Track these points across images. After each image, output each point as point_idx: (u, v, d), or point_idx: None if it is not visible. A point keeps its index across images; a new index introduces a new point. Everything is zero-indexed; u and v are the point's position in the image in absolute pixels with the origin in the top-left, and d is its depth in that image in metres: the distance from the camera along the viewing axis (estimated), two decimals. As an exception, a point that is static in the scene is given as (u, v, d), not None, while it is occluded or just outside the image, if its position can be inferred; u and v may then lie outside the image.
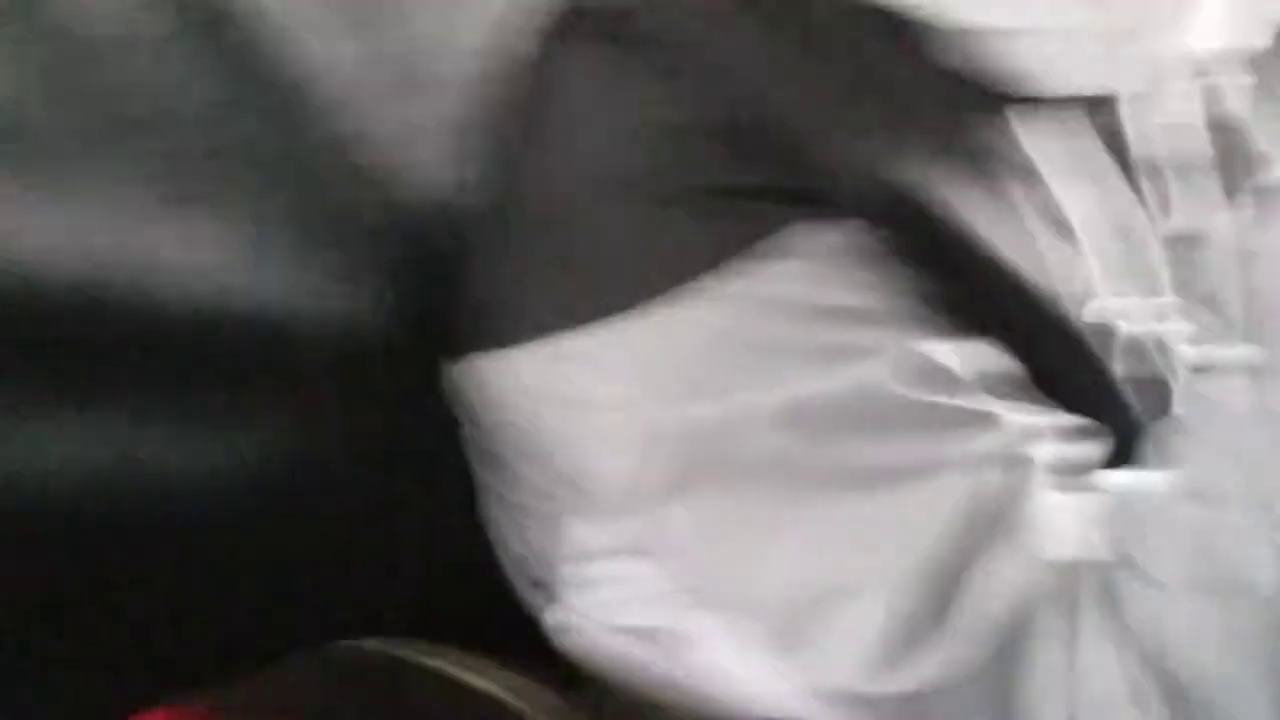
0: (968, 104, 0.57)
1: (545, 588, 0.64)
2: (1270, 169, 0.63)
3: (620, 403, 0.54)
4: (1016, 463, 0.52)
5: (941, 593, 0.50)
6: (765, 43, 0.54)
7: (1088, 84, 0.58)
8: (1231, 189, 0.62)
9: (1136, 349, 0.58)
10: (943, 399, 0.52)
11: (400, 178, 0.66)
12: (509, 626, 0.65)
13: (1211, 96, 0.62)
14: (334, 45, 0.63)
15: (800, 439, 0.51)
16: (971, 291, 0.55)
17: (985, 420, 0.52)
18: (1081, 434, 0.54)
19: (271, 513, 0.63)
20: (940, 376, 0.52)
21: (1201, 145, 0.62)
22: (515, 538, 0.65)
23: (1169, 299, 0.60)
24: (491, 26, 0.67)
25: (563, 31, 0.57)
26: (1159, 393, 0.59)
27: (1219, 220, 0.61)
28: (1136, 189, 0.61)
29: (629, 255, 0.54)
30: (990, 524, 0.51)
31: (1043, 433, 0.53)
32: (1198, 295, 0.60)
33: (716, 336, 0.53)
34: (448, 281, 0.62)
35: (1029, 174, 0.57)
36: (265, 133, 0.62)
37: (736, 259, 0.52)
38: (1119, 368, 0.57)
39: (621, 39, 0.55)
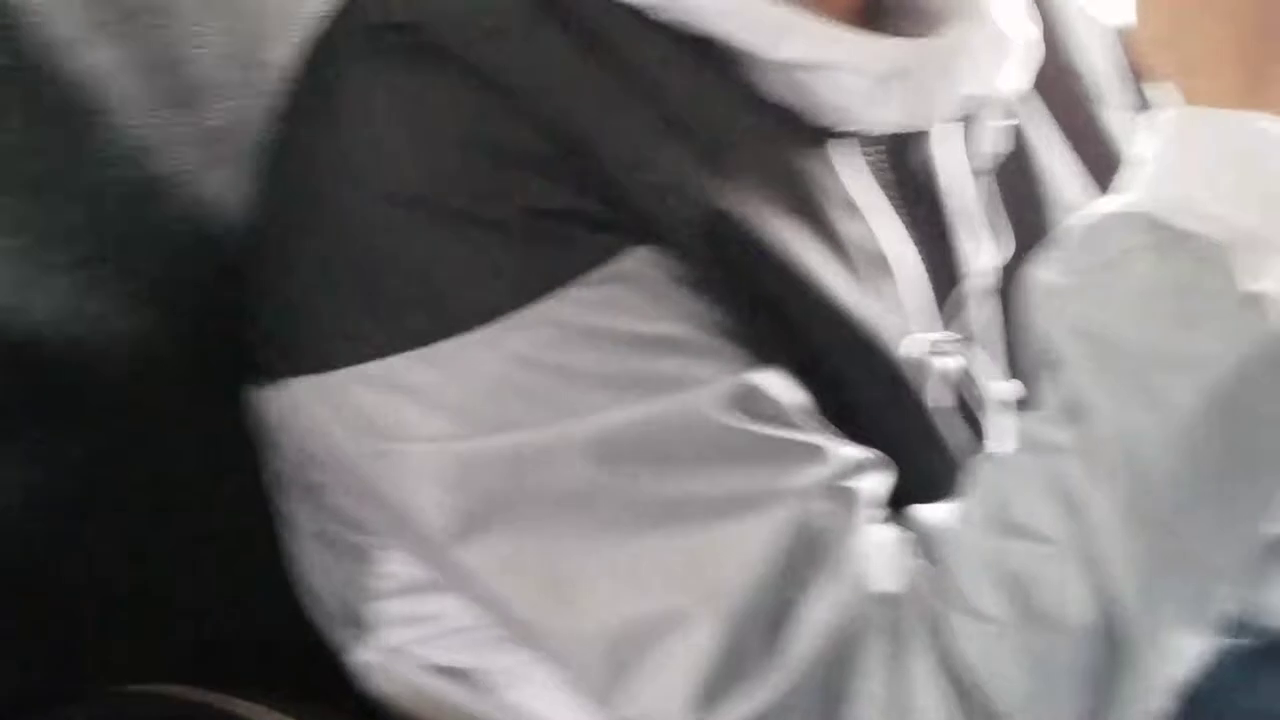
0: (788, 136, 0.57)
1: (352, 625, 0.62)
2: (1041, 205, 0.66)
3: (431, 432, 0.52)
4: (842, 495, 0.52)
5: (767, 626, 0.50)
6: (578, 67, 0.53)
7: (901, 121, 0.59)
8: (1005, 227, 0.64)
9: (949, 383, 0.59)
10: (770, 430, 0.52)
11: (186, 194, 0.63)
12: (313, 669, 0.62)
13: (1005, 135, 0.64)
14: (105, 55, 0.60)
15: (616, 471, 0.50)
16: (792, 322, 0.54)
17: (812, 452, 0.52)
18: (874, 466, 0.54)
19: (57, 544, 0.59)
20: (767, 407, 0.52)
21: (995, 183, 0.64)
22: (320, 572, 0.62)
23: (974, 333, 0.62)
24: (276, 39, 0.65)
25: (356, 46, 0.55)
26: (973, 426, 0.60)
27: (993, 258, 0.63)
28: (945, 225, 0.62)
29: (441, 280, 0.52)
30: (816, 556, 0.50)
31: (867, 465, 0.53)
32: (978, 331, 0.62)
33: (531, 365, 0.51)
34: (245, 303, 0.59)
35: (849, 207, 0.58)
36: (44, 150, 0.59)
37: (555, 286, 0.51)
38: (933, 401, 0.58)
39: (421, 56, 0.53)
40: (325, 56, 0.57)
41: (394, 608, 0.60)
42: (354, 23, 0.56)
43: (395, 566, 0.59)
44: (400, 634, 0.60)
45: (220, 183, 0.64)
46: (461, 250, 0.51)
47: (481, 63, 0.52)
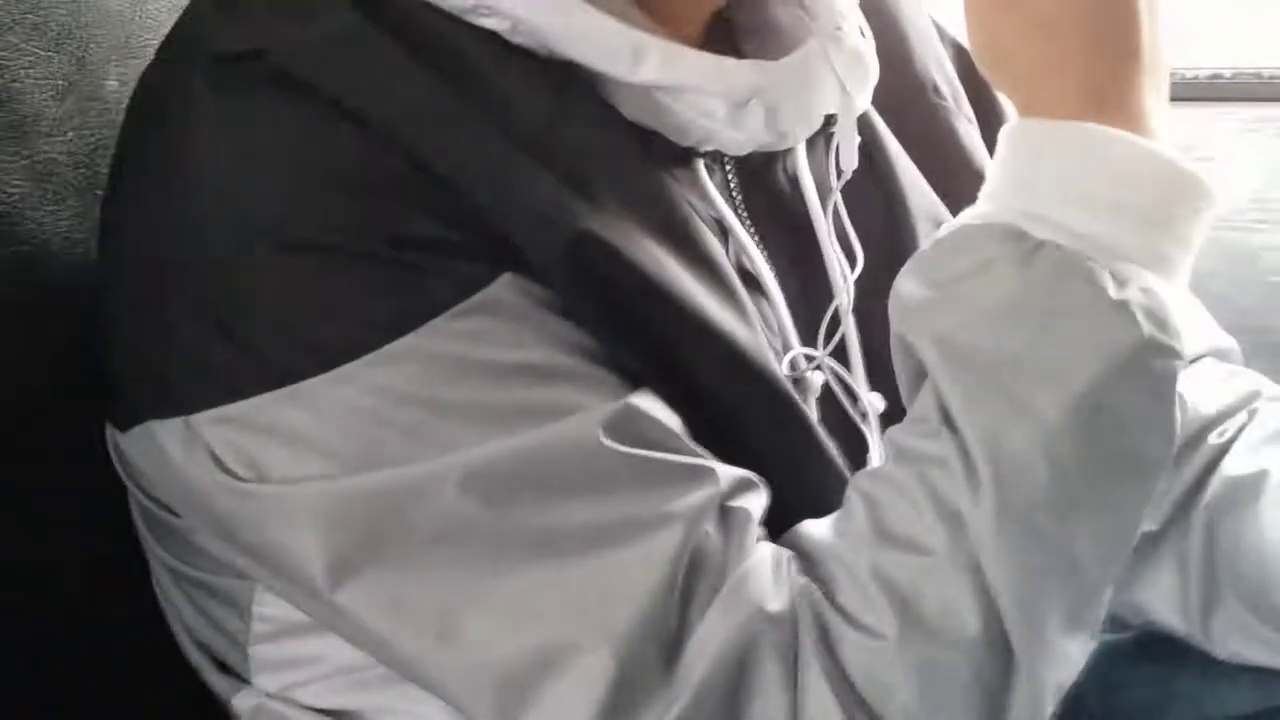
0: (651, 157, 0.57)
1: (230, 671, 0.60)
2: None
3: (300, 473, 0.50)
4: (727, 516, 0.52)
5: (661, 651, 0.49)
6: (434, 93, 0.52)
7: (761, 140, 0.60)
8: (861, 242, 0.65)
9: (824, 399, 0.60)
10: (651, 454, 0.51)
11: (16, 229, 0.61)
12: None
13: (858, 150, 0.65)
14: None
15: (494, 504, 0.49)
16: (664, 343, 0.54)
17: (696, 474, 0.52)
18: (753, 485, 0.54)
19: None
20: (646, 430, 0.52)
21: (851, 197, 0.65)
22: (192, 616, 0.61)
23: (845, 348, 0.62)
24: (110, 69, 0.64)
25: (203, 77, 0.53)
26: (849, 440, 0.61)
27: (853, 272, 0.64)
28: (812, 241, 0.63)
29: (304, 316, 0.50)
30: (706, 579, 0.50)
31: (746, 485, 0.53)
32: (848, 346, 0.63)
33: (400, 400, 0.49)
34: (98, 343, 0.57)
35: (716, 226, 0.58)
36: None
37: (421, 319, 0.50)
38: (809, 418, 0.59)
39: (270, 85, 0.51)
40: (169, 88, 0.56)
41: (271, 652, 0.58)
42: (198, 52, 0.54)
43: (270, 609, 0.57)
44: (280, 678, 0.59)
45: (52, 217, 0.62)
46: (323, 285, 0.50)
47: (334, 90, 0.51)
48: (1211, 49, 1.30)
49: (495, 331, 0.51)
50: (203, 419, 0.51)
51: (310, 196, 0.50)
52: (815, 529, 0.54)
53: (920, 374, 0.53)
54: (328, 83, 0.51)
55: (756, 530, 0.52)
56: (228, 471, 0.51)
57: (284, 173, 0.51)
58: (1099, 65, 0.55)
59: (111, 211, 0.58)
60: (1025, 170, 0.55)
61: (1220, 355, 0.72)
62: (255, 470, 0.51)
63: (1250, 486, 0.68)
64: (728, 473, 0.53)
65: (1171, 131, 0.56)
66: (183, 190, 0.52)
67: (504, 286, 0.51)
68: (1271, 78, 1.29)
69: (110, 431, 0.58)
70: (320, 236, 0.50)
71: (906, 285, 0.55)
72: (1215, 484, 0.69)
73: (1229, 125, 1.29)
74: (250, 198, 0.51)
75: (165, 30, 0.57)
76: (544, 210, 0.52)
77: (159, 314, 0.53)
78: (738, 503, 0.52)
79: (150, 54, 0.57)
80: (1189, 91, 1.29)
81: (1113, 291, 0.51)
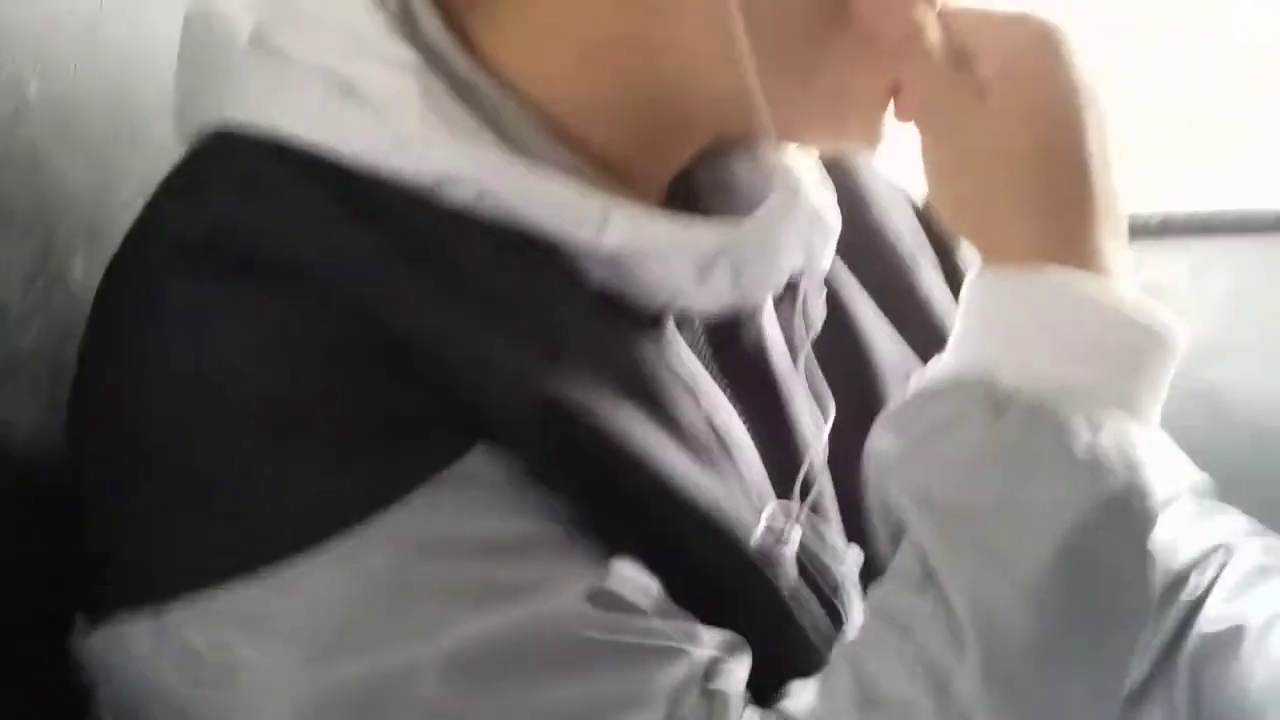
0: (619, 321, 0.57)
1: None
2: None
3: (274, 664, 0.48)
4: (711, 690, 0.50)
5: None
6: (401, 267, 0.52)
7: (728, 301, 0.60)
8: (830, 398, 0.65)
9: (800, 561, 0.59)
10: (631, 628, 0.50)
11: None
12: None
13: (824, 306, 0.65)
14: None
15: (475, 688, 0.48)
16: (639, 510, 0.54)
17: (677, 649, 0.50)
18: (733, 649, 0.53)
19: None
20: (625, 602, 0.51)
21: (818, 354, 0.65)
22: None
23: (820, 508, 0.62)
24: (76, 255, 0.63)
25: (174, 263, 0.53)
26: (828, 601, 0.60)
27: (824, 429, 0.64)
28: (781, 400, 0.63)
29: (275, 499, 0.49)
30: None
31: (727, 649, 0.52)
32: (823, 505, 0.62)
33: (376, 583, 0.48)
34: (78, 531, 0.55)
35: (685, 389, 0.58)
36: None
37: (394, 497, 0.49)
38: (786, 580, 0.58)
39: (242, 266, 0.51)
40: (135, 276, 0.55)
41: None
42: (163, 239, 0.54)
43: None
44: None
45: (20, 407, 0.61)
46: (296, 465, 0.49)
47: (300, 269, 0.51)
48: (1162, 191, 1.33)
49: (469, 506, 0.50)
50: (174, 607, 0.49)
51: (279, 376, 0.50)
52: (800, 695, 0.53)
53: (899, 529, 0.53)
54: (294, 262, 0.51)
55: (739, 702, 0.51)
56: (200, 662, 0.49)
57: (252, 355, 0.50)
58: (1057, 212, 0.56)
59: (80, 399, 0.57)
60: (992, 319, 0.55)
61: (1194, 493, 0.72)
62: (228, 661, 0.49)
63: (1229, 637, 0.67)
64: (710, 636, 0.52)
65: (1131, 274, 0.57)
66: (152, 377, 0.52)
67: (478, 458, 0.50)
68: (1222, 218, 1.32)
69: (78, 629, 0.56)
70: (291, 416, 0.49)
71: (881, 439, 0.55)
72: (1195, 634, 0.69)
73: (1184, 264, 1.31)
74: (220, 381, 0.50)
75: (133, 214, 0.56)
76: (514, 380, 0.52)
77: (129, 500, 0.52)
78: (720, 675, 0.51)
79: (117, 239, 0.57)
80: (1143, 232, 1.31)
81: (1086, 439, 0.51)
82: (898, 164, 0.68)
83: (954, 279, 0.72)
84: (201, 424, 0.50)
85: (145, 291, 0.53)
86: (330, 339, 0.50)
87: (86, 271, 0.58)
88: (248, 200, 0.53)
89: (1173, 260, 1.31)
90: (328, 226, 0.52)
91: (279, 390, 0.50)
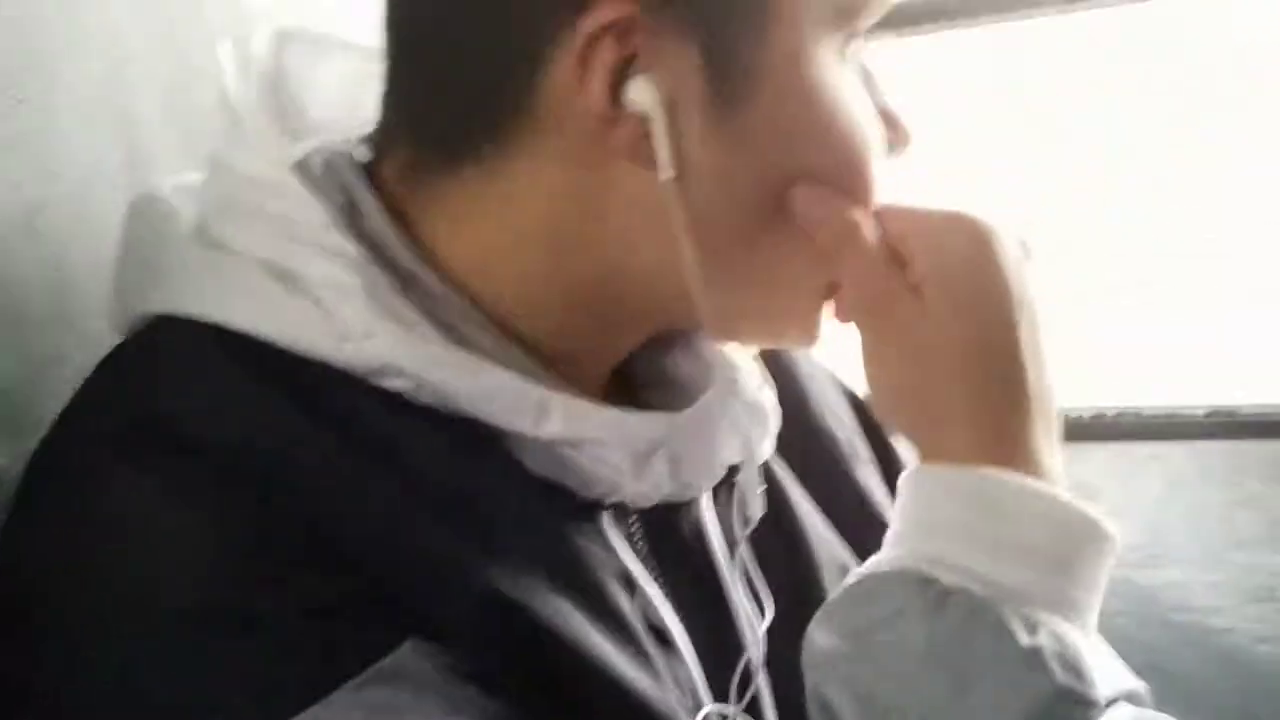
0: (557, 511, 0.57)
1: None
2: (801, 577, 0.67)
3: None
4: None
5: None
6: (336, 456, 0.52)
7: (666, 492, 0.60)
8: (769, 592, 0.65)
9: None
10: None
11: None
12: None
13: (762, 499, 0.65)
14: None
15: None
16: (576, 705, 0.52)
17: None
18: None
19: None
20: None
21: (756, 547, 0.65)
22: None
23: (758, 702, 0.61)
24: None
25: (97, 449, 0.52)
26: None
27: (762, 623, 0.63)
28: (720, 593, 0.62)
29: (209, 690, 0.47)
30: None
31: None
32: (761, 699, 0.61)
33: None
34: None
35: (624, 580, 0.57)
36: None
37: (320, 693, 0.46)
38: None
39: (169, 453, 0.50)
40: (67, 462, 0.54)
41: None
42: (99, 425, 0.53)
43: None
44: None
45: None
46: (225, 657, 0.47)
47: (231, 455, 0.50)
48: (1092, 388, 1.36)
49: (398, 703, 0.48)
50: None
51: (211, 566, 0.48)
52: None
53: None
54: (229, 450, 0.50)
55: None
56: None
57: (182, 543, 0.49)
58: (992, 411, 0.56)
59: (2, 598, 0.55)
60: (928, 516, 0.55)
61: (1131, 698, 0.72)
62: None
63: None
64: None
65: (1065, 472, 0.57)
66: (81, 572, 0.50)
67: (408, 654, 0.49)
68: (1152, 416, 1.34)
69: None
70: (221, 606, 0.48)
71: (818, 636, 0.54)
72: None
73: (1116, 464, 1.33)
74: (149, 573, 0.48)
75: (58, 406, 0.56)
76: (448, 572, 0.51)
77: (60, 699, 0.50)
78: None
79: (44, 426, 0.56)
80: (1075, 431, 1.33)
81: (1024, 639, 0.50)
82: (838, 356, 0.69)
83: (892, 473, 0.72)
84: (126, 619, 0.48)
85: (72, 480, 0.52)
86: (262, 530, 0.49)
87: (9, 464, 0.56)
88: (183, 387, 0.53)
89: (1104, 460, 1.33)
90: (264, 416, 0.52)
91: (208, 585, 0.48)
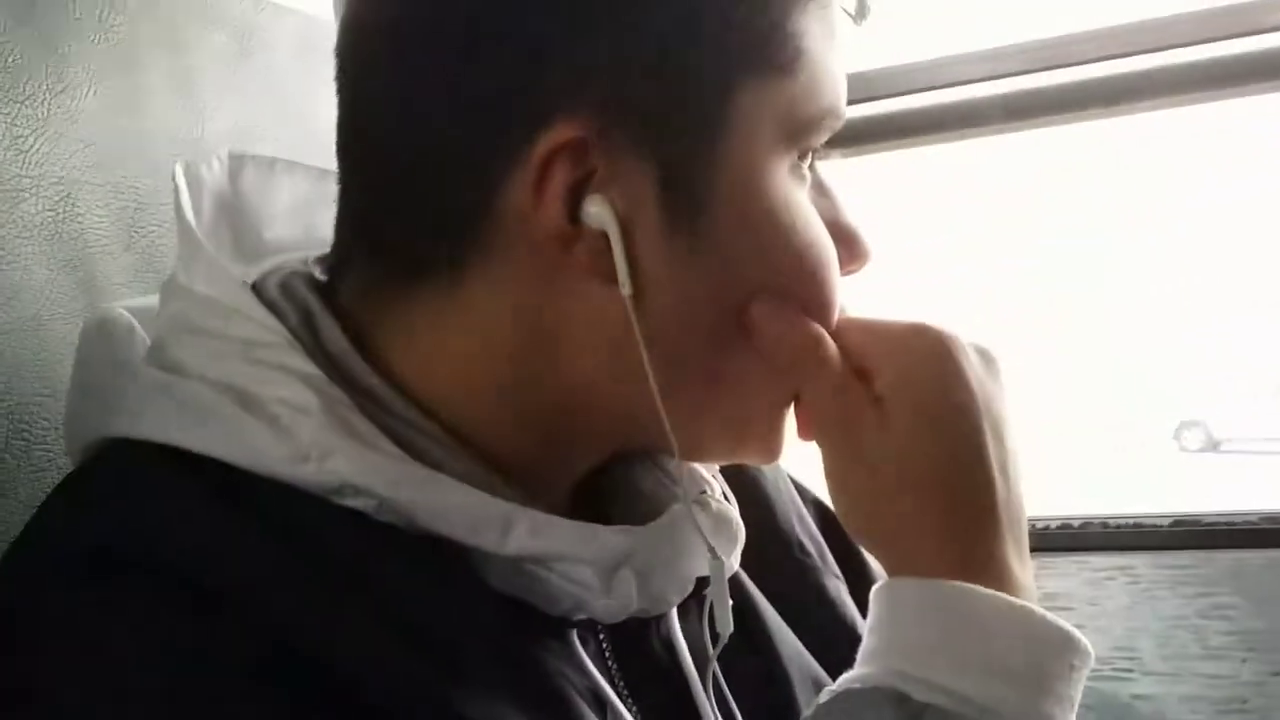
0: (524, 629, 0.56)
1: None
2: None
3: None
4: None
5: None
6: (296, 576, 0.51)
7: (634, 607, 0.59)
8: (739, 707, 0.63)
9: None
10: None
11: None
12: None
13: (731, 613, 0.64)
14: None
15: None
16: None
17: None
18: None
19: None
20: None
21: (727, 662, 0.64)
22: None
23: None
24: None
25: (48, 576, 0.50)
26: None
27: None
28: (693, 707, 0.61)
29: None
30: None
31: None
32: None
33: None
34: None
35: (593, 698, 0.56)
36: None
37: None
38: None
39: (123, 579, 0.49)
40: (18, 589, 0.52)
41: None
42: (53, 551, 0.52)
43: None
44: None
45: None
46: None
47: (195, 578, 0.49)
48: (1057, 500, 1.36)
49: None
50: None
51: (164, 695, 0.47)
52: None
53: None
54: (186, 573, 0.49)
55: None
56: None
57: (136, 671, 0.47)
58: (960, 525, 0.56)
59: None
60: (901, 632, 0.55)
61: None
62: None
63: None
64: None
65: (1034, 585, 0.57)
66: (29, 700, 0.48)
67: None
68: (1118, 526, 1.34)
69: None
70: None
71: None
72: None
73: (1084, 575, 1.33)
74: (103, 703, 0.47)
75: (15, 531, 0.54)
76: (413, 694, 0.49)
77: None
78: None
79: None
80: (1041, 542, 1.33)
81: None
82: (806, 467, 0.68)
83: (862, 585, 0.71)
84: None
85: (24, 606, 0.51)
86: (219, 654, 0.48)
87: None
88: (138, 511, 0.51)
89: (1072, 572, 1.33)
90: (223, 539, 0.51)
91: (162, 710, 0.47)
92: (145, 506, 0.52)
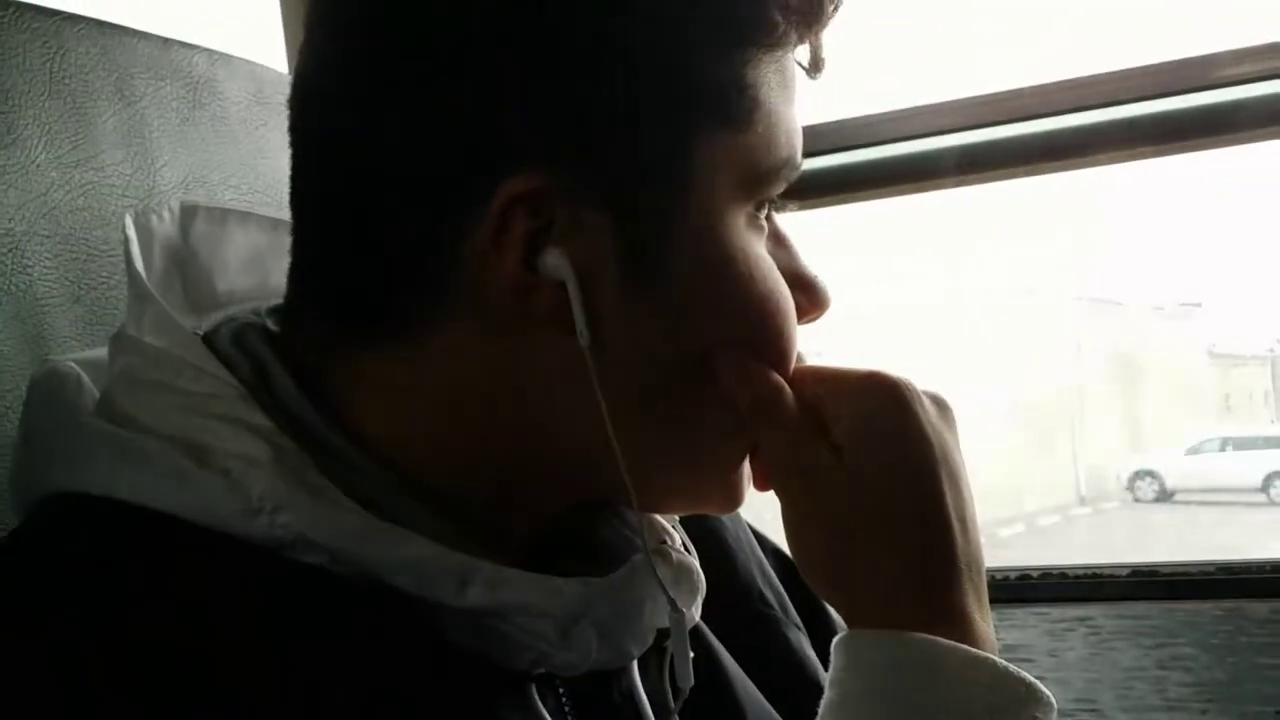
0: (482, 684, 0.55)
1: None
2: None
3: None
4: None
5: None
6: (251, 633, 0.49)
7: (595, 659, 0.58)
8: None
9: None
10: None
11: None
12: None
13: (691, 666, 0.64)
14: None
15: None
16: None
17: None
18: None
19: None
20: None
21: (694, 717, 0.63)
22: None
23: None
24: None
25: None
26: None
27: None
28: None
29: None
30: None
31: None
32: None
33: None
34: None
35: None
36: None
37: None
38: None
39: (63, 634, 0.47)
40: None
41: None
42: None
43: None
44: None
45: None
46: None
47: (135, 646, 0.48)
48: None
49: None
50: None
51: None
52: None
53: None
54: (125, 629, 0.48)
55: None
56: None
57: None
58: (920, 574, 0.56)
59: None
60: (863, 684, 0.54)
61: None
62: None
63: None
64: None
65: (994, 635, 0.56)
66: None
67: None
68: (1076, 578, 1.34)
69: None
70: None
71: None
72: None
73: (1042, 626, 1.33)
74: None
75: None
76: None
77: None
78: None
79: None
80: (1000, 593, 1.33)
81: None
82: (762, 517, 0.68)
83: (823, 634, 0.71)
84: None
85: None
86: (169, 714, 0.46)
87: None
88: (82, 568, 0.50)
89: (1031, 623, 1.33)
90: (171, 595, 0.50)
91: None
92: (90, 565, 0.51)
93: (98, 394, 0.58)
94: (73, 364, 0.59)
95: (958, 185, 1.42)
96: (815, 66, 0.60)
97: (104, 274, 0.78)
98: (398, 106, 0.54)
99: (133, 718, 0.46)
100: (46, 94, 0.77)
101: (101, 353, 0.60)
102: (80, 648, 0.47)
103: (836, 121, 1.40)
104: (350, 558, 0.52)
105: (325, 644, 0.51)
